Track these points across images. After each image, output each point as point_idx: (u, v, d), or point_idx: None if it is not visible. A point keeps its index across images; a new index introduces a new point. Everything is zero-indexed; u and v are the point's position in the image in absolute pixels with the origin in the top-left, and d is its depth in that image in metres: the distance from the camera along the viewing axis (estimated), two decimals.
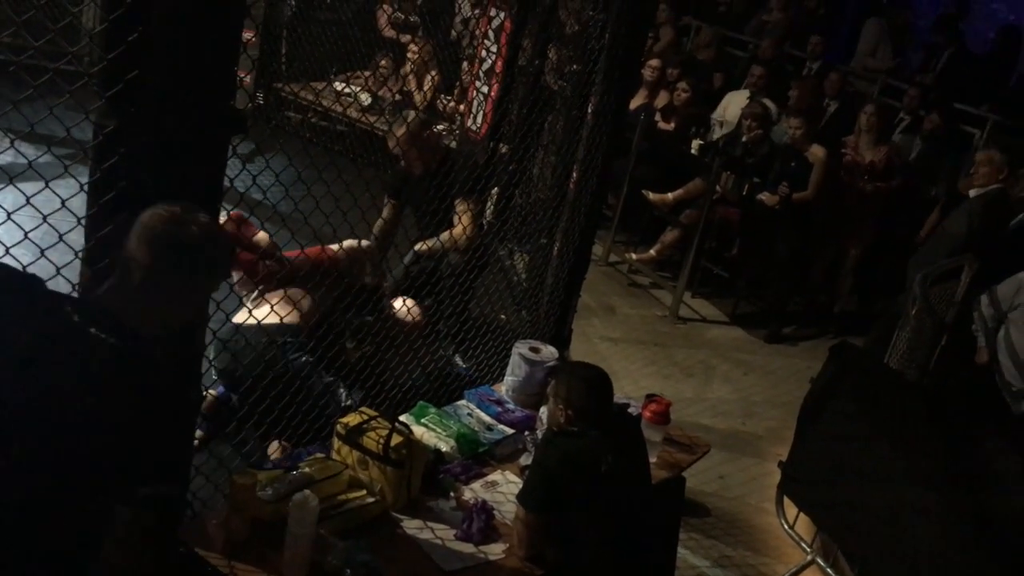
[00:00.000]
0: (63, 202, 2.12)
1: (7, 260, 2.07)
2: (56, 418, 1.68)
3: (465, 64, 6.69)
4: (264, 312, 3.06)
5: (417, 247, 4.32)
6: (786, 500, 4.05)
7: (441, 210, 3.88)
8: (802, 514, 3.94)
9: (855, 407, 3.70)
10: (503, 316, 4.41)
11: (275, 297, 3.26)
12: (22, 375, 1.69)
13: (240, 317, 3.30)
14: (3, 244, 2.08)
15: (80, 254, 2.17)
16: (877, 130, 6.15)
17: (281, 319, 3.08)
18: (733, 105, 7.08)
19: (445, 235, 4.10)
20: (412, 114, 4.45)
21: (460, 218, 4.17)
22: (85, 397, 1.68)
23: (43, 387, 1.68)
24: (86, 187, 2.12)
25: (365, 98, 6.90)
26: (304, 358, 3.38)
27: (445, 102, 7.05)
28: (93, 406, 1.68)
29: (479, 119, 5.73)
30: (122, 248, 1.78)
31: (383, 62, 6.99)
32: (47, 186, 2.10)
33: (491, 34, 5.58)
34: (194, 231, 1.77)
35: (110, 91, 2.03)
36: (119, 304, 1.75)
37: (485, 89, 5.64)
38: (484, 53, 5.69)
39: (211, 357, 3.28)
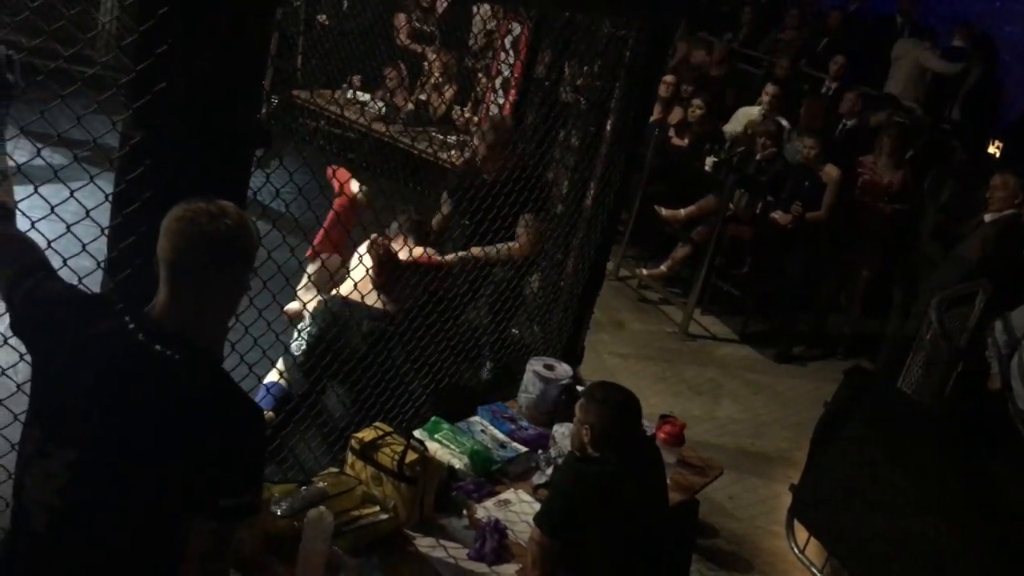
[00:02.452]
0: (87, 212, 2.11)
1: None
2: (131, 436, 1.68)
3: (481, 76, 6.69)
4: (352, 288, 3.27)
5: (473, 251, 4.14)
6: (796, 524, 4.03)
7: (506, 218, 3.79)
8: (813, 539, 3.92)
9: (868, 433, 3.69)
10: (515, 331, 4.39)
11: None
12: (94, 395, 1.69)
13: (344, 289, 3.45)
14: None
15: (102, 264, 2.16)
16: (898, 153, 6.10)
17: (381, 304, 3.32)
18: (745, 123, 7.07)
19: (503, 245, 3.99)
20: (506, 118, 4.31)
21: (524, 233, 4.06)
22: (157, 415, 1.68)
23: (115, 406, 1.68)
24: (110, 197, 2.11)
25: (379, 106, 6.90)
26: (399, 351, 3.40)
27: (460, 113, 7.05)
28: (166, 423, 1.68)
29: None
30: (155, 260, 1.75)
31: (392, 73, 6.99)
32: (72, 195, 2.09)
33: (508, 46, 5.58)
34: (220, 223, 1.71)
35: (138, 102, 2.02)
36: (170, 315, 1.73)
37: (500, 100, 5.63)
38: (501, 66, 5.69)
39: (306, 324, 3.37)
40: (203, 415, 1.71)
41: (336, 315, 3.42)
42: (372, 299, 3.49)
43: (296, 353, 3.46)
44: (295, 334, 3.55)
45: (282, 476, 2.84)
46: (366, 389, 3.16)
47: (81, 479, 1.68)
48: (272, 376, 3.37)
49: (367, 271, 3.59)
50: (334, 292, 3.62)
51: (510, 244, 4.01)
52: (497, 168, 4.10)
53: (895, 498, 3.53)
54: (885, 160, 6.10)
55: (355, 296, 3.41)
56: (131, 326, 1.71)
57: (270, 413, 3.37)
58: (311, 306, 3.53)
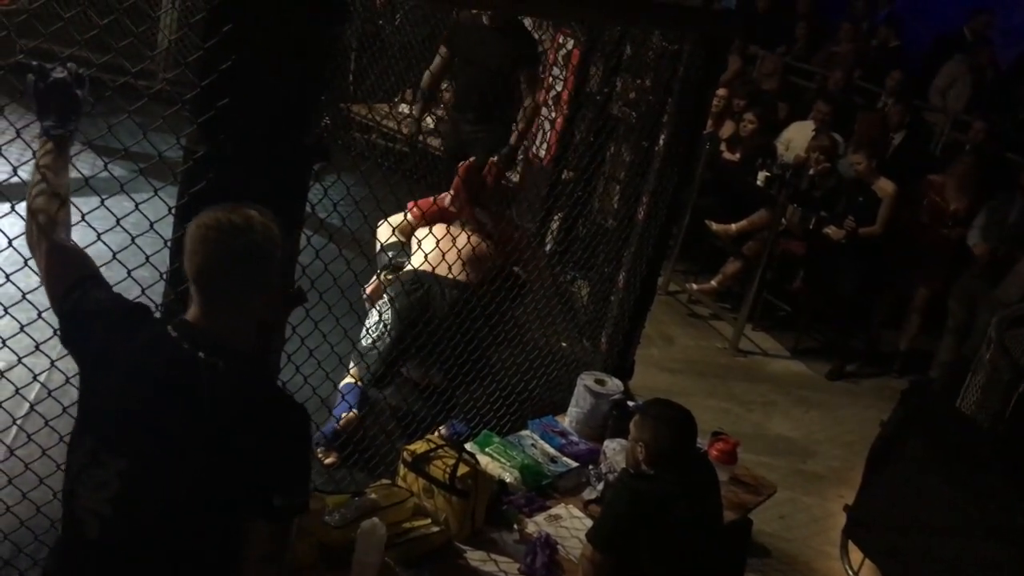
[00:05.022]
0: (151, 224, 2.15)
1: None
2: (182, 443, 1.70)
3: None
4: (440, 253, 3.43)
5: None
6: (851, 545, 3.96)
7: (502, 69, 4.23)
8: (867, 561, 3.85)
9: (926, 453, 3.62)
10: (564, 344, 4.38)
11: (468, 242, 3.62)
12: (144, 403, 1.71)
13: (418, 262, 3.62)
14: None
15: (164, 275, 2.20)
16: (970, 180, 5.93)
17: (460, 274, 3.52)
18: (797, 137, 7.00)
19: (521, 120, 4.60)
20: None
21: (527, 90, 4.59)
22: (206, 421, 1.70)
23: (164, 414, 1.71)
24: (173, 210, 2.15)
25: (429, 121, 6.93)
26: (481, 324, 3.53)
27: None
28: (216, 429, 1.70)
29: (543, 146, 5.73)
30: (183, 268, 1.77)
31: (448, 87, 7.02)
32: (136, 208, 2.14)
33: (560, 61, 5.59)
34: (241, 238, 1.72)
35: (202, 117, 2.06)
36: (206, 323, 1.75)
37: (552, 115, 5.64)
38: (551, 80, 5.69)
39: (393, 294, 3.57)
40: (252, 418, 1.73)
41: (421, 281, 3.58)
42: (450, 271, 3.59)
43: (375, 334, 3.57)
44: (373, 315, 3.67)
45: (335, 486, 2.86)
46: (451, 359, 3.35)
47: (133, 487, 1.70)
48: (348, 380, 3.44)
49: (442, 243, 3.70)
50: (408, 268, 3.76)
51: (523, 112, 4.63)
52: (494, 16, 4.58)
53: (953, 521, 3.46)
54: (955, 184, 5.91)
55: (436, 269, 3.55)
56: (175, 335, 1.74)
57: (353, 412, 3.43)
58: (388, 283, 3.71)
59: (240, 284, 1.75)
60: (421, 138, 6.66)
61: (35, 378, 2.36)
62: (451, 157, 5.02)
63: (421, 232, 3.88)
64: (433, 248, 3.45)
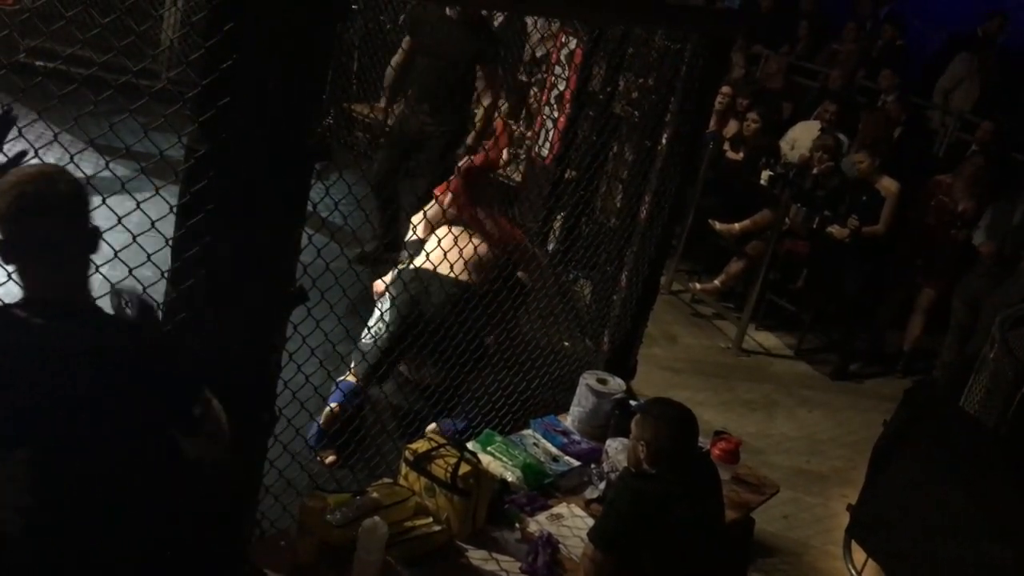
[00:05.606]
0: (152, 223, 2.15)
1: (96, 278, 2.12)
2: (76, 411, 1.72)
3: (534, 90, 6.69)
4: (443, 254, 3.46)
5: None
6: (854, 544, 3.96)
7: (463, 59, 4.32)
8: (871, 561, 3.85)
9: (930, 453, 3.61)
10: (566, 343, 4.38)
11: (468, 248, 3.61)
12: (18, 390, 1.70)
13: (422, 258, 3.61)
14: (94, 263, 2.10)
15: (166, 273, 2.20)
16: (977, 182, 5.91)
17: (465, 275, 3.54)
18: (803, 137, 6.99)
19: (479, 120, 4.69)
20: None
21: (485, 87, 4.67)
22: (89, 383, 1.72)
23: (49, 392, 1.71)
24: (175, 208, 2.15)
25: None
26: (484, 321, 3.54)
27: (514, 127, 7.05)
28: (100, 384, 1.73)
29: (546, 145, 5.73)
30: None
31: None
32: (138, 207, 2.13)
33: (562, 60, 5.58)
34: (39, 179, 1.76)
35: (203, 116, 2.06)
36: (46, 291, 1.77)
37: (555, 114, 5.63)
38: (553, 79, 5.69)
39: (394, 294, 3.59)
40: (132, 359, 1.77)
41: (421, 277, 3.59)
42: (451, 271, 3.60)
43: (375, 329, 3.58)
44: (376, 314, 3.69)
45: (336, 485, 2.86)
46: (450, 354, 3.35)
47: (47, 468, 1.71)
48: (348, 378, 3.44)
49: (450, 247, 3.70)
50: (411, 266, 3.77)
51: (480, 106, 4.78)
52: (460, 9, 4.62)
53: (956, 521, 3.45)
54: (962, 185, 5.89)
55: (438, 268, 3.58)
56: (23, 315, 1.74)
57: (335, 406, 3.40)
58: (390, 280, 3.73)
59: (55, 231, 1.77)
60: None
61: None
62: (401, 146, 5.09)
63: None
64: (436, 249, 3.44)
